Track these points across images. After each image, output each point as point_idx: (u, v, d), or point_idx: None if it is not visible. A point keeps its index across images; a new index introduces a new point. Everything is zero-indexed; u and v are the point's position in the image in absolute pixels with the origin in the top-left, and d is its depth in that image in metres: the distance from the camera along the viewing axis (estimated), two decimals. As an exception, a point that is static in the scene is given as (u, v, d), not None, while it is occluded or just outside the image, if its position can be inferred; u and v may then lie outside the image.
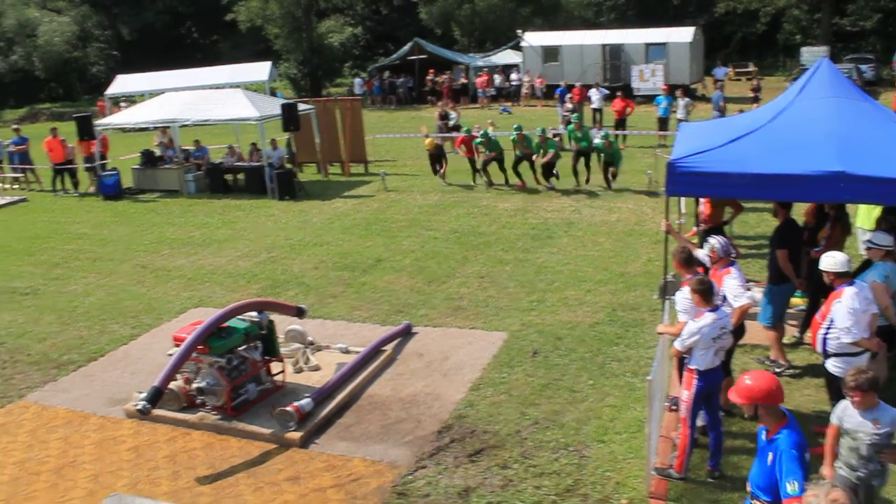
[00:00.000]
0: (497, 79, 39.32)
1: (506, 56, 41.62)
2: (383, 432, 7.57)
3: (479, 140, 18.51)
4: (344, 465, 7.06)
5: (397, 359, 9.20)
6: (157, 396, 7.48)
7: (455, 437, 7.35)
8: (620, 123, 23.60)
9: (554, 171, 17.97)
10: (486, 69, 40.08)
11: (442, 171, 19.58)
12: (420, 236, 14.53)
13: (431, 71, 40.73)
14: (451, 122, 24.37)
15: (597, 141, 17.48)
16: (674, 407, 7.37)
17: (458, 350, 9.33)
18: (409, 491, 6.57)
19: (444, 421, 7.67)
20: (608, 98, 26.64)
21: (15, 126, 27.48)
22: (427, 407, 7.99)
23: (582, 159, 17.90)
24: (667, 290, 8.24)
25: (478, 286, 11.56)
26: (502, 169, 18.49)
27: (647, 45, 35.93)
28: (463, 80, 41.10)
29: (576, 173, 17.93)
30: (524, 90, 37.83)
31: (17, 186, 23.96)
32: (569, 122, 24.31)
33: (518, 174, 18.40)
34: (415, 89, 41.99)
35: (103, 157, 22.25)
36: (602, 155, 17.57)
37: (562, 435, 7.27)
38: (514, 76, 39.07)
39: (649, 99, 28.82)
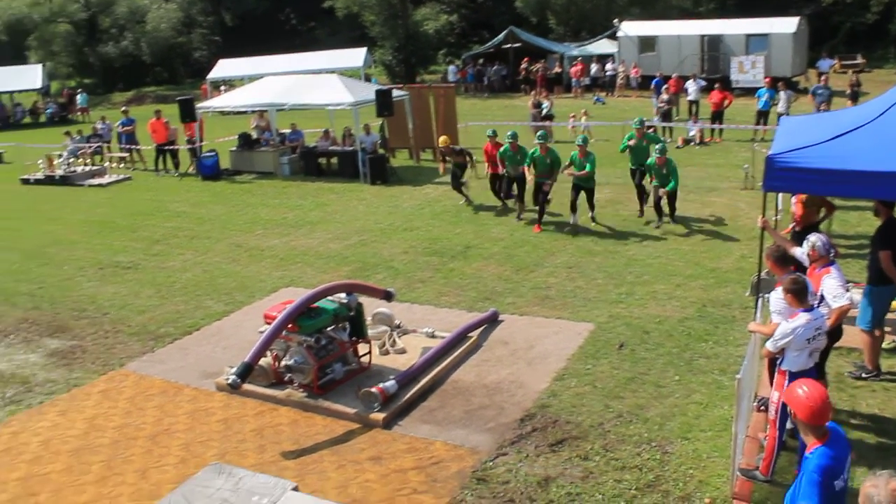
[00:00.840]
0: (592, 68, 38.82)
1: (601, 46, 41.01)
2: (466, 418, 7.61)
3: (504, 150, 15.09)
4: (425, 447, 7.13)
5: (483, 345, 9.23)
6: (247, 372, 7.69)
7: (537, 426, 7.34)
8: (717, 116, 22.99)
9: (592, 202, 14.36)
10: (580, 58, 39.58)
11: (464, 180, 17.05)
12: (509, 224, 14.51)
13: (526, 60, 40.50)
14: (545, 112, 24.22)
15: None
16: (762, 407, 7.18)
17: (543, 339, 9.30)
18: (488, 477, 6.59)
19: (526, 409, 7.66)
20: (705, 90, 25.98)
21: (123, 108, 28.60)
22: (510, 395, 8.00)
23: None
24: (760, 288, 8.03)
25: (566, 276, 11.49)
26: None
27: (748, 35, 34.80)
28: (557, 70, 40.72)
29: (573, 208, 14.10)
30: (619, 80, 37.26)
31: (122, 165, 24.98)
32: (666, 113, 23.91)
33: (500, 195, 15.83)
34: (508, 78, 41.83)
35: (192, 140, 22.95)
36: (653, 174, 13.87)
37: (645, 430, 7.17)
38: (609, 66, 38.52)
39: (748, 91, 28.00)
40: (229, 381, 7.72)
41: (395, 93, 21.03)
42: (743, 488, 6.16)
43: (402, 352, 9.03)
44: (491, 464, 6.79)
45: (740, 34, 34.99)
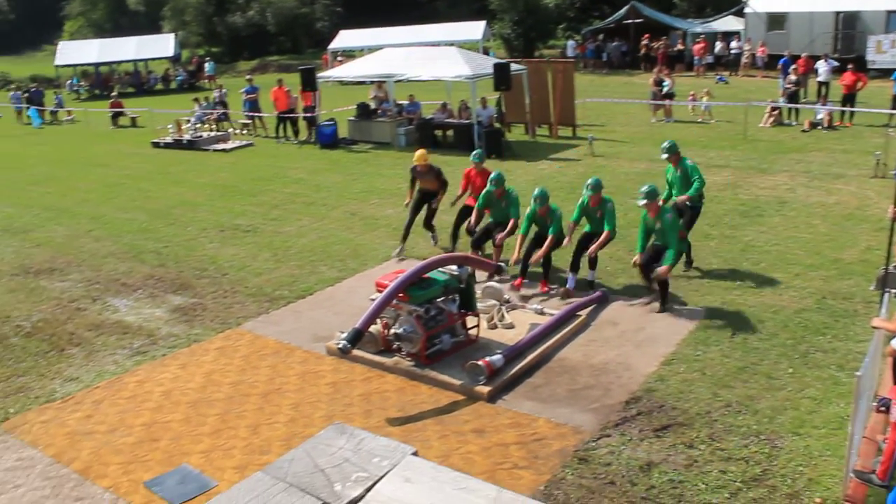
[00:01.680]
0: (716, 46, 37.53)
1: (727, 22, 39.54)
2: (570, 396, 7.60)
3: (488, 189, 11.02)
4: (528, 423, 7.17)
5: (591, 325, 9.17)
6: (357, 338, 7.89)
7: (642, 410, 7.27)
8: (849, 99, 21.89)
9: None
10: (704, 36, 38.30)
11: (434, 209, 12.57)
12: (624, 204, 14.25)
13: (646, 36, 39.47)
14: (665, 90, 23.65)
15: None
16: (882, 408, 6.86)
17: (653, 322, 9.17)
18: (590, 457, 6.58)
19: (632, 392, 7.59)
20: (837, 71, 24.71)
21: (248, 76, 29.51)
22: (617, 376, 7.93)
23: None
24: (887, 282, 7.67)
25: (680, 260, 11.24)
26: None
27: (889, 12, 32.72)
28: (679, 47, 39.55)
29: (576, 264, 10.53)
30: (744, 59, 35.84)
31: (245, 132, 25.83)
32: (793, 95, 22.85)
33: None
34: (628, 54, 40.93)
35: (311, 109, 23.46)
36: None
37: (754, 421, 6.99)
38: (734, 44, 37.10)
39: (885, 73, 26.49)
40: (340, 346, 7.94)
41: (513, 67, 20.92)
42: (857, 491, 5.92)
43: (510, 327, 9.07)
44: (593, 444, 6.76)
45: (881, 10, 32.89)
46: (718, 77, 33.80)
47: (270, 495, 1.07)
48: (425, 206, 12.37)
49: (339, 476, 1.08)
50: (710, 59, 37.10)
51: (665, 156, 10.96)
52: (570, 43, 43.42)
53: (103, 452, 7.08)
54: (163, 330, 9.81)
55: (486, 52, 35.58)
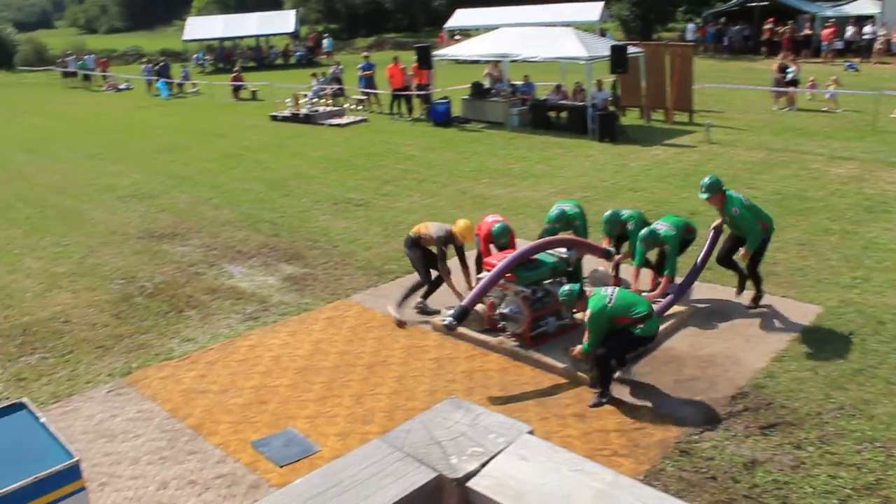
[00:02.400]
0: (847, 31, 35.75)
1: (860, 6, 37.60)
2: (675, 387, 7.48)
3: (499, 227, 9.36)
4: (630, 411, 7.10)
5: (700, 316, 8.97)
6: (463, 315, 7.97)
7: (749, 406, 7.08)
8: None
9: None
10: (834, 20, 36.56)
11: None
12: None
13: (771, 19, 37.93)
14: (790, 77, 22.75)
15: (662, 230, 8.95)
16: None
17: (765, 316, 8.90)
18: (692, 450, 6.47)
19: (739, 387, 7.41)
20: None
21: (364, 53, 29.98)
22: (724, 370, 7.75)
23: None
24: None
25: (796, 253, 10.87)
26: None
27: None
28: (807, 31, 37.87)
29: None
30: (878, 45, 34.02)
31: (360, 108, 26.27)
32: None
33: None
34: (751, 39, 39.45)
35: (425, 87, 23.61)
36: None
37: (869, 427, 6.71)
38: (867, 29, 35.25)
39: None
40: (446, 323, 8.04)
41: (631, 49, 20.52)
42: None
43: None
44: (696, 437, 6.65)
45: None
46: (848, 64, 32.21)
47: (387, 463, 1.12)
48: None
49: (455, 449, 1.11)
50: (839, 44, 35.39)
51: (704, 195, 8.80)
52: (690, 26, 42.18)
53: (215, 411, 7.41)
54: (274, 297, 10.15)
55: (602, 34, 35.03)
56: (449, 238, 9.24)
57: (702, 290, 9.58)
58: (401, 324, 8.21)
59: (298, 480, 1.37)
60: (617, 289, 7.52)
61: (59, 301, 10.40)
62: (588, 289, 7.77)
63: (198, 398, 7.75)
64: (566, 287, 7.63)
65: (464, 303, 8.02)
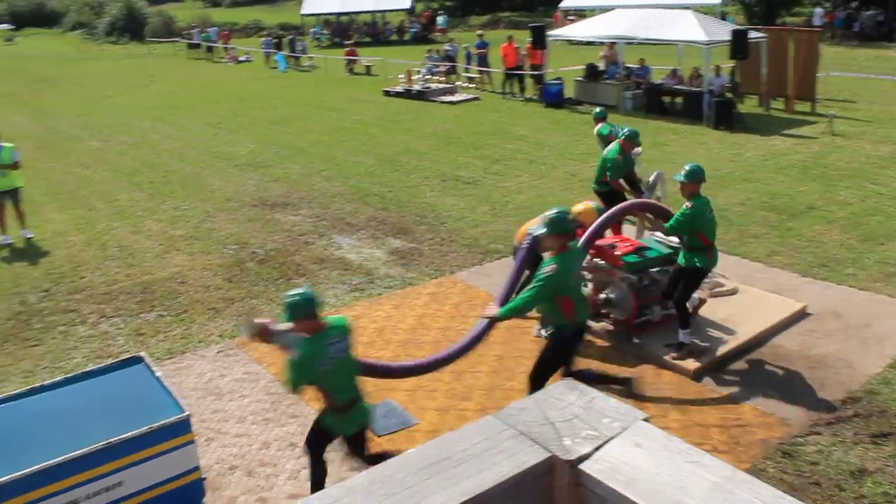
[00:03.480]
0: None
1: None
2: (781, 386, 7.26)
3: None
4: (732, 408, 6.95)
5: (812, 315, 8.65)
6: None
7: (860, 412, 6.80)
8: None
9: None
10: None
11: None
12: (862, 189, 13.26)
13: (910, 5, 35.93)
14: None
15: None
16: None
17: (883, 320, 8.51)
18: (796, 452, 6.27)
19: (850, 391, 7.12)
20: None
21: (479, 31, 29.94)
22: (835, 372, 7.47)
23: None
24: None
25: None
26: None
27: None
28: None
29: None
30: None
31: (473, 86, 26.29)
32: None
33: None
34: (885, 24, 37.42)
35: (539, 67, 23.38)
36: None
37: None
38: None
39: None
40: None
41: (752, 34, 19.80)
42: None
43: (733, 292, 8.81)
44: (801, 440, 6.44)
45: None
46: None
47: (500, 440, 1.13)
48: None
49: (569, 431, 1.12)
50: None
51: (682, 178, 7.74)
52: (818, 10, 40.30)
53: (319, 378, 7.61)
54: (381, 270, 10.33)
55: (723, 18, 33.81)
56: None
57: (816, 288, 9.26)
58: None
59: (411, 450, 1.41)
60: None
61: (176, 262, 10.88)
62: None
63: (302, 364, 7.98)
64: None
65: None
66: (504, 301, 7.00)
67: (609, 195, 10.08)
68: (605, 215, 8.25)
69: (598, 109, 12.38)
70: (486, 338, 6.88)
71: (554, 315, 6.50)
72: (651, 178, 10.04)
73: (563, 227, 6.31)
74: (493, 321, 6.70)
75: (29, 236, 12.01)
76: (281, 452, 6.58)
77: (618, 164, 10.08)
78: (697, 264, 7.60)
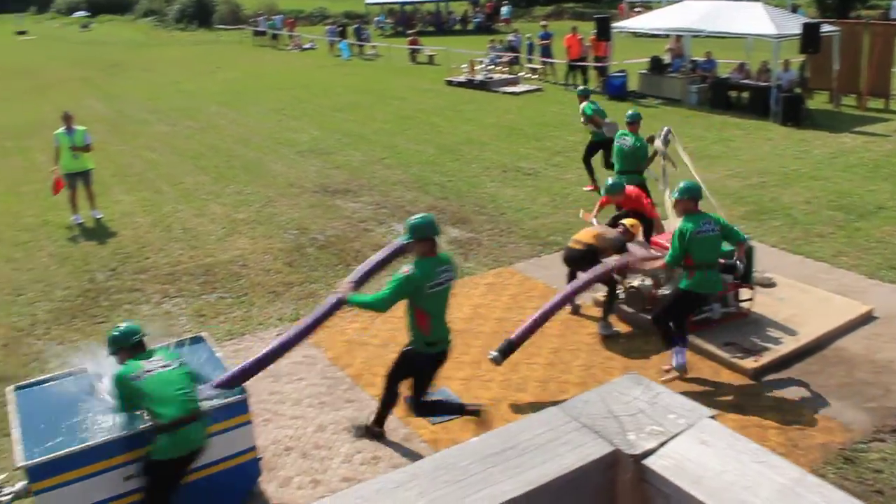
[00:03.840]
0: None
1: None
2: (843, 390, 7.10)
3: None
4: (791, 410, 6.81)
5: (880, 318, 8.41)
6: (509, 351, 7.31)
7: (928, 420, 6.64)
8: None
9: None
10: None
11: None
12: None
13: None
14: None
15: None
16: None
17: (953, 326, 8.26)
18: (858, 459, 6.13)
19: (918, 398, 6.94)
20: None
21: (543, 22, 29.76)
22: (902, 377, 7.29)
23: None
24: None
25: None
26: None
27: None
28: None
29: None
30: None
31: (536, 77, 26.15)
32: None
33: None
34: (967, 20, 36.15)
35: (603, 59, 23.12)
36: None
37: None
38: None
39: None
40: (491, 357, 7.35)
41: (825, 28, 19.28)
42: None
43: (770, 283, 8.68)
44: (864, 446, 6.29)
45: None
46: None
47: (564, 431, 1.13)
48: None
49: (633, 426, 1.11)
50: None
51: (677, 195, 7.53)
52: (895, 3, 39.11)
53: (373, 363, 7.70)
54: (439, 260, 10.35)
55: (794, 10, 33.03)
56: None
57: (883, 291, 9.01)
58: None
59: (474, 439, 1.42)
60: None
61: (238, 246, 11.07)
62: None
63: (358, 349, 8.08)
64: None
65: (512, 338, 7.35)
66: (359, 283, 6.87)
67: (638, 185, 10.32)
68: (584, 277, 7.78)
69: (580, 87, 13.02)
70: (327, 320, 6.63)
71: (411, 328, 6.27)
72: (661, 133, 10.28)
73: (423, 233, 6.08)
74: (340, 302, 6.47)
75: (98, 216, 12.36)
76: (336, 436, 6.67)
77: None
78: (680, 286, 7.30)
